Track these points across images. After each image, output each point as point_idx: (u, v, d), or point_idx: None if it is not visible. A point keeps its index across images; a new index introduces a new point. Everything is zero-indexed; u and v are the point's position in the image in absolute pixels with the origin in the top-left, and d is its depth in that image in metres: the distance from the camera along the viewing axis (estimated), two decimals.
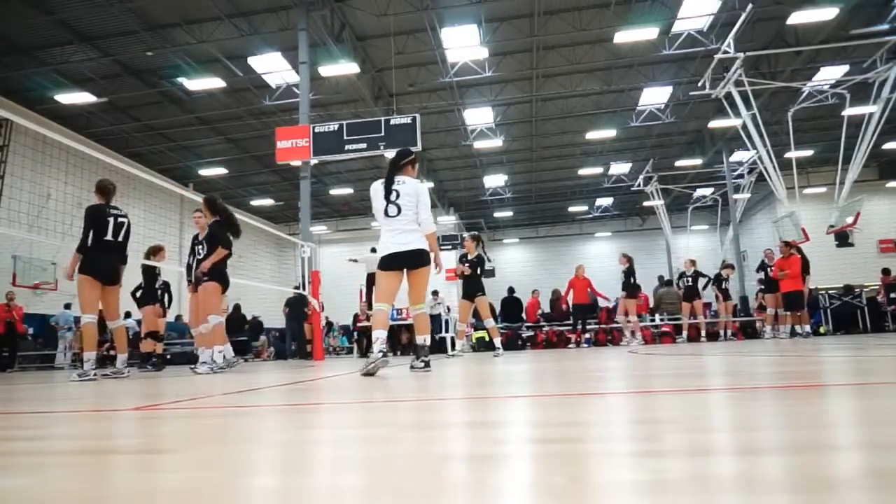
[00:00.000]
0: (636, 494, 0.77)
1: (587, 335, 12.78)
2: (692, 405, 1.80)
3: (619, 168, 24.15)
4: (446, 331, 12.49)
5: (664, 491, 0.78)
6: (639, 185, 20.78)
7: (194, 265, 6.42)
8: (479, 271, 8.43)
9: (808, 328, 10.75)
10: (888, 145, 20.61)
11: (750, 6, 11.06)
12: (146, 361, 8.20)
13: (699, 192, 23.67)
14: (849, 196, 13.45)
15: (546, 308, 15.61)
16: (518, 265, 31.01)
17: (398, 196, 4.30)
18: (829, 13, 13.25)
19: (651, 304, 14.83)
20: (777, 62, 15.79)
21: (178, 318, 15.77)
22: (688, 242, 20.64)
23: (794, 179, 13.32)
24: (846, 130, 12.97)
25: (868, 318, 13.50)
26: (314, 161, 12.57)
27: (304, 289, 11.84)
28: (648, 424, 1.43)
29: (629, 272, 11.32)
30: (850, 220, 13.70)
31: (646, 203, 24.99)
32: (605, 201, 29.00)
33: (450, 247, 21.57)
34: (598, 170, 24.34)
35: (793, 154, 13.77)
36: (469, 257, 8.47)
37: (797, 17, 13.32)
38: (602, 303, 13.69)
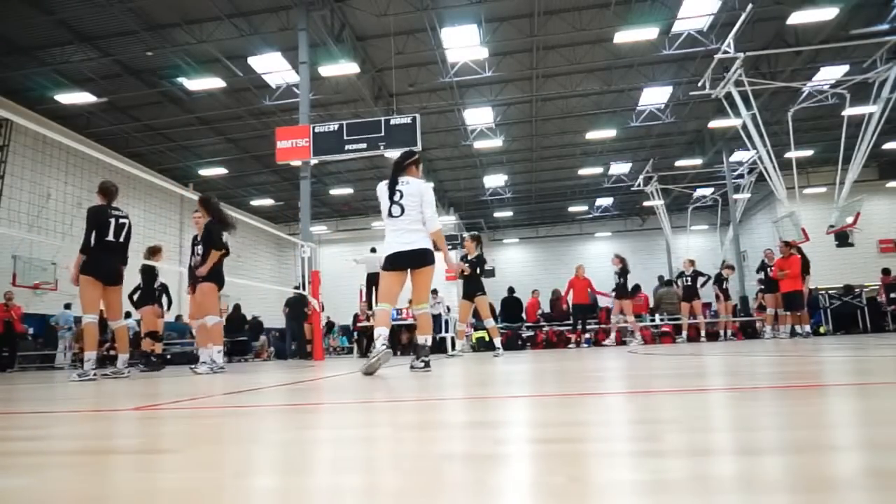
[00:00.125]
0: (636, 494, 0.77)
1: (587, 335, 12.78)
2: (692, 405, 1.80)
3: (619, 168, 24.15)
4: (446, 331, 12.49)
5: (664, 491, 0.78)
6: (639, 185, 20.79)
7: (194, 266, 6.45)
8: (478, 271, 8.44)
9: (808, 328, 10.75)
10: (888, 145, 20.61)
11: (750, 6, 11.06)
12: (145, 361, 8.20)
13: (699, 192, 23.67)
14: (849, 196, 13.45)
15: (546, 308, 15.61)
16: (518, 265, 31.01)
17: (402, 196, 4.33)
18: (829, 13, 13.25)
19: (651, 304, 14.82)
20: (777, 62, 15.80)
21: (178, 318, 15.78)
22: (688, 242, 20.65)
23: (794, 179, 13.32)
24: (846, 130, 12.97)
25: (868, 318, 13.51)
26: (314, 161, 12.57)
27: (304, 289, 11.84)
28: (648, 424, 1.43)
29: (622, 273, 11.31)
30: (850, 220, 13.70)
31: (646, 203, 25.00)
32: (605, 201, 29.00)
33: (450, 247, 21.32)
34: (598, 170, 24.34)
35: (793, 154, 13.78)
36: (469, 257, 8.48)
37: (797, 17, 13.32)
38: (602, 302, 13.69)
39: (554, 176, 25.49)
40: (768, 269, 11.69)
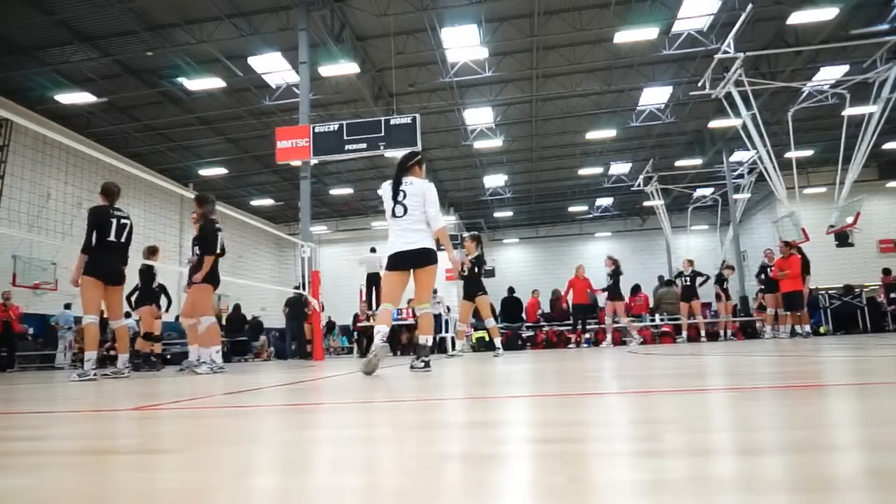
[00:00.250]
0: (636, 494, 0.77)
1: (587, 335, 12.78)
2: (692, 405, 1.80)
3: (619, 168, 24.15)
4: (446, 331, 12.50)
5: (664, 491, 0.78)
6: (639, 185, 20.79)
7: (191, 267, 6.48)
8: (477, 270, 8.44)
9: (808, 328, 10.75)
10: (888, 145, 20.61)
11: (750, 6, 11.06)
12: (145, 361, 8.20)
13: (699, 192, 23.66)
14: (849, 196, 13.44)
15: (546, 308, 15.62)
16: (518, 265, 31.00)
17: (405, 196, 4.37)
18: (829, 13, 13.24)
19: (651, 304, 14.82)
20: (777, 62, 15.79)
21: (178, 318, 15.78)
22: (688, 242, 20.64)
23: (794, 179, 13.32)
24: (846, 130, 12.96)
25: (868, 318, 13.50)
26: (314, 161, 12.57)
27: (304, 289, 11.84)
28: (648, 424, 1.43)
29: (614, 274, 11.30)
30: (850, 220, 13.70)
31: (646, 203, 25.00)
32: (605, 201, 29.00)
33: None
34: (598, 170, 24.34)
35: (793, 154, 13.77)
36: (469, 257, 8.49)
37: (797, 17, 13.32)
38: (602, 302, 13.68)
39: (554, 176, 25.48)
40: (768, 269, 11.69)
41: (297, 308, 13.20)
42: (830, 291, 14.17)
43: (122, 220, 5.67)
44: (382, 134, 11.62)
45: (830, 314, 13.63)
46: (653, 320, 14.16)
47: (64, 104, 15.92)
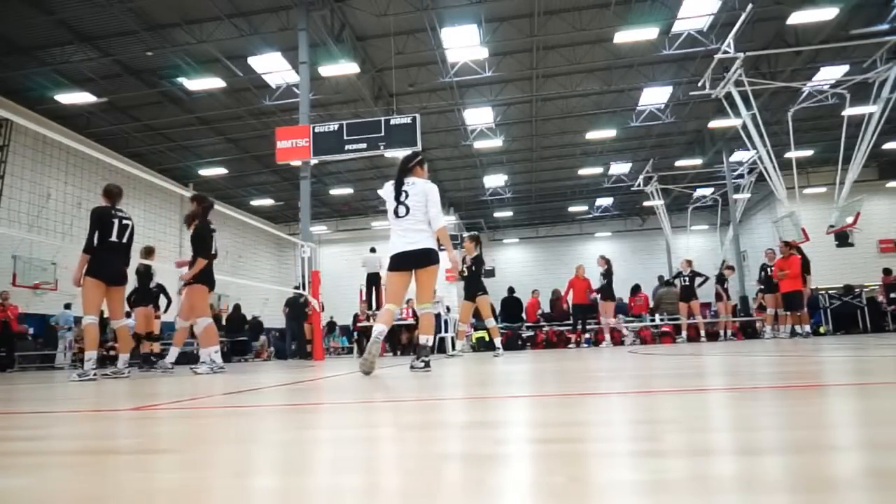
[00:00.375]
0: (636, 494, 0.77)
1: (587, 335, 12.78)
2: (692, 405, 1.80)
3: (619, 168, 24.14)
4: (445, 331, 12.50)
5: (664, 491, 0.78)
6: (639, 185, 20.79)
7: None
8: (475, 270, 8.45)
9: (808, 328, 10.75)
10: (888, 145, 20.61)
11: (750, 6, 11.06)
12: (144, 361, 8.21)
13: (699, 192, 23.67)
14: (849, 196, 13.44)
15: (546, 308, 15.62)
16: (518, 265, 31.00)
17: (407, 196, 4.38)
18: (829, 13, 13.24)
19: (651, 305, 14.82)
20: (777, 62, 15.79)
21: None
22: (688, 242, 20.64)
23: (794, 179, 13.32)
24: (846, 130, 12.97)
25: (868, 318, 13.50)
26: (314, 161, 12.57)
27: (304, 289, 11.84)
28: (648, 424, 1.43)
29: (607, 274, 11.29)
30: (850, 220, 13.70)
31: (646, 203, 25.00)
32: (605, 201, 29.00)
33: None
34: (598, 170, 24.34)
35: (793, 154, 13.78)
36: (468, 258, 8.49)
37: (797, 17, 13.32)
38: None
39: (554, 176, 25.48)
40: (768, 269, 11.70)
41: (297, 308, 13.20)
42: (830, 291, 14.16)
43: (124, 221, 5.71)
44: (382, 134, 11.62)
45: (830, 314, 13.63)
46: (653, 320, 14.16)
47: (64, 104, 15.92)
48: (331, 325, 18.33)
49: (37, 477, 1.07)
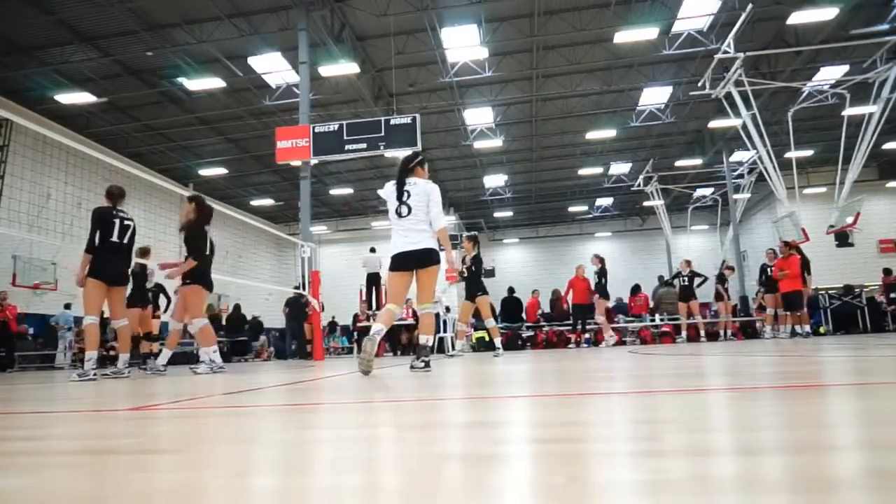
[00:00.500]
0: (636, 494, 0.77)
1: (587, 335, 12.78)
2: (692, 405, 1.80)
3: (619, 168, 24.14)
4: (445, 331, 12.50)
5: (664, 491, 0.78)
6: (639, 185, 20.79)
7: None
8: (475, 270, 8.45)
9: (807, 328, 10.75)
10: (888, 145, 20.61)
11: (750, 6, 11.06)
12: (144, 361, 8.20)
13: (699, 192, 23.67)
14: (849, 196, 13.45)
15: (546, 308, 15.61)
16: (518, 265, 31.00)
17: (409, 196, 4.38)
18: (829, 13, 13.24)
19: (651, 305, 14.82)
20: (777, 62, 15.79)
21: None
22: (688, 242, 20.65)
23: (794, 179, 13.32)
24: (846, 130, 12.97)
25: (868, 318, 13.50)
26: (314, 161, 12.57)
27: (304, 289, 11.84)
28: (648, 424, 1.43)
29: (601, 273, 11.26)
30: (850, 220, 13.70)
31: (646, 203, 25.00)
32: (605, 201, 29.00)
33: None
34: (598, 170, 24.34)
35: (793, 154, 13.78)
36: (466, 258, 8.50)
37: (797, 17, 13.32)
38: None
39: (554, 176, 25.48)
40: (769, 269, 11.70)
41: (297, 308, 13.19)
42: (830, 291, 14.16)
43: (126, 222, 5.73)
44: (382, 134, 11.62)
45: (830, 314, 13.62)
46: (653, 320, 14.16)
47: (64, 104, 15.92)
48: (332, 325, 18.33)
49: (37, 477, 1.07)
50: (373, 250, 13.97)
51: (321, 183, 23.45)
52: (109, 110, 17.02)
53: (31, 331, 14.87)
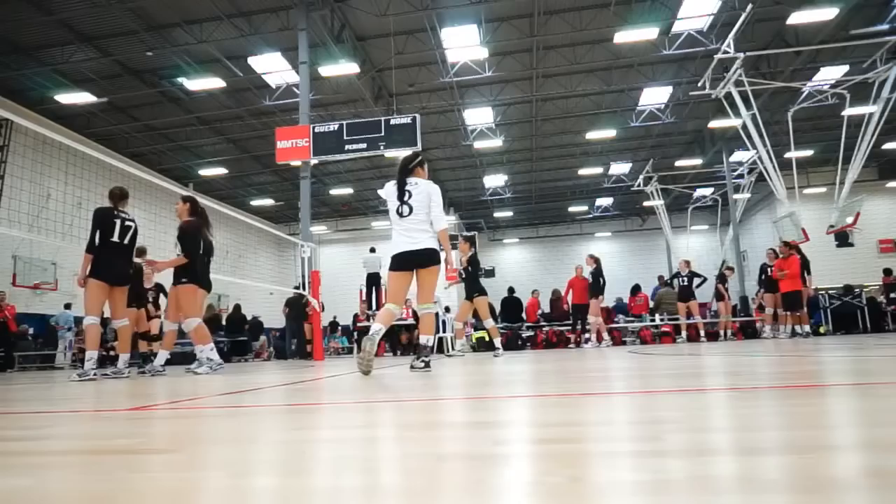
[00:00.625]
0: (636, 494, 0.77)
1: (587, 335, 12.76)
2: (692, 405, 1.80)
3: (619, 168, 24.15)
4: (444, 331, 12.50)
5: (664, 491, 0.78)
6: (639, 185, 20.78)
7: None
8: (471, 270, 8.46)
9: (807, 328, 10.75)
10: (888, 145, 20.61)
11: (750, 6, 11.06)
12: (144, 361, 8.18)
13: (699, 192, 23.67)
14: (849, 196, 13.44)
15: (546, 308, 15.61)
16: (518, 265, 31.01)
17: (410, 196, 4.38)
18: (829, 13, 13.25)
19: (651, 305, 14.82)
20: (777, 62, 15.79)
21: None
22: (688, 242, 20.63)
23: (794, 179, 13.32)
24: (846, 130, 12.97)
25: (868, 318, 13.50)
26: (314, 161, 12.57)
27: (304, 289, 11.84)
28: (648, 424, 1.43)
29: (596, 273, 11.23)
30: (850, 220, 13.70)
31: (646, 203, 25.00)
32: (605, 201, 29.00)
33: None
34: (598, 170, 24.34)
35: (793, 154, 13.77)
36: (463, 258, 8.51)
37: (797, 17, 13.32)
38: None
39: (554, 176, 25.49)
40: (769, 269, 11.70)
41: (297, 308, 13.19)
42: (830, 291, 14.15)
43: (127, 223, 5.74)
44: (382, 134, 11.62)
45: (830, 314, 13.62)
46: (653, 320, 14.16)
47: (64, 104, 15.92)
48: (333, 326, 18.31)
49: (37, 477, 1.07)
50: (373, 250, 13.97)
51: (321, 183, 23.45)
52: (109, 110, 17.03)
53: (31, 331, 14.87)
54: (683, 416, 1.56)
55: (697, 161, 22.22)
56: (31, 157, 13.43)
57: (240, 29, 13.49)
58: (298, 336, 13.25)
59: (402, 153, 4.74)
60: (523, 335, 13.89)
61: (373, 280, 13.33)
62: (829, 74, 16.01)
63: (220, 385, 3.82)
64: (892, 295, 13.67)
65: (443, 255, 4.60)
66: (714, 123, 19.33)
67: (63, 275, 15.17)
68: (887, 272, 14.08)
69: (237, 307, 15.79)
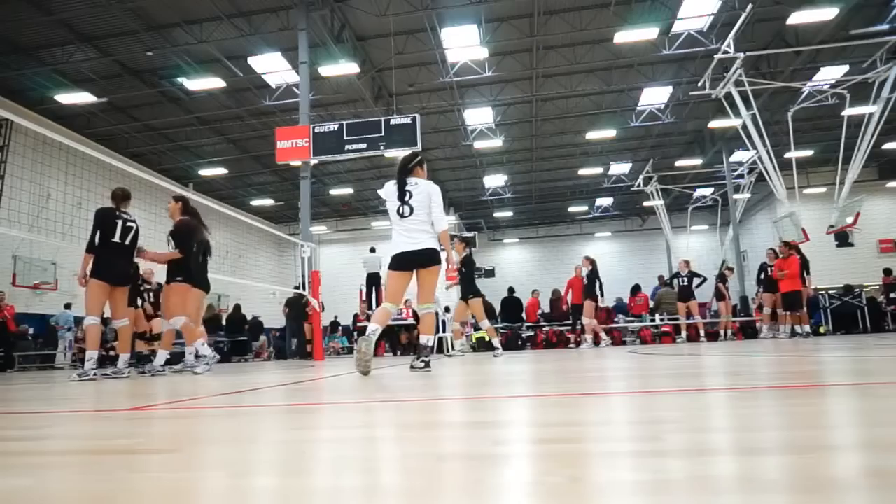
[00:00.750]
0: (636, 494, 0.77)
1: (584, 336, 12.75)
2: (692, 405, 1.80)
3: (619, 168, 24.15)
4: (443, 331, 12.50)
5: (664, 491, 0.78)
6: (639, 185, 20.77)
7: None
8: (465, 270, 8.45)
9: (807, 328, 10.75)
10: (888, 145, 20.61)
11: (750, 6, 11.06)
12: (140, 361, 8.18)
13: (699, 192, 23.66)
14: (849, 196, 13.44)
15: (546, 308, 15.61)
16: (518, 265, 31.01)
17: (411, 196, 4.36)
18: (829, 13, 13.25)
19: (651, 305, 14.82)
20: (777, 62, 15.79)
21: None
22: (688, 242, 20.63)
23: (794, 179, 13.32)
24: (846, 130, 12.96)
25: (868, 318, 13.50)
26: (314, 161, 12.57)
27: (304, 289, 11.84)
28: (648, 424, 1.43)
29: (591, 275, 11.22)
30: (850, 220, 13.70)
31: (646, 203, 24.99)
32: (605, 201, 28.99)
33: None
34: (598, 170, 24.34)
35: (793, 154, 13.77)
36: (458, 258, 8.50)
37: (797, 17, 13.32)
38: (602, 302, 13.65)
39: (554, 176, 25.49)
40: (768, 269, 11.70)
41: (297, 308, 13.19)
42: (830, 291, 14.15)
43: (129, 223, 5.75)
44: (382, 134, 11.62)
45: (830, 314, 13.62)
46: (653, 320, 14.16)
47: (64, 104, 15.92)
48: (333, 326, 18.31)
49: (37, 477, 1.07)
50: (373, 250, 13.97)
51: (321, 183, 23.45)
52: (109, 110, 17.03)
53: (31, 331, 14.87)
54: (683, 416, 1.56)
55: (697, 161, 22.22)
56: (31, 157, 13.43)
57: (240, 29, 13.49)
58: (298, 336, 13.25)
59: (402, 153, 4.75)
60: (523, 335, 13.89)
61: (373, 280, 13.33)
62: (829, 74, 16.01)
63: (219, 385, 3.83)
64: (892, 295, 13.67)
65: (443, 255, 4.60)
66: (714, 123, 19.32)
67: (63, 275, 15.17)
68: (887, 272, 14.08)
69: (237, 307, 15.80)
